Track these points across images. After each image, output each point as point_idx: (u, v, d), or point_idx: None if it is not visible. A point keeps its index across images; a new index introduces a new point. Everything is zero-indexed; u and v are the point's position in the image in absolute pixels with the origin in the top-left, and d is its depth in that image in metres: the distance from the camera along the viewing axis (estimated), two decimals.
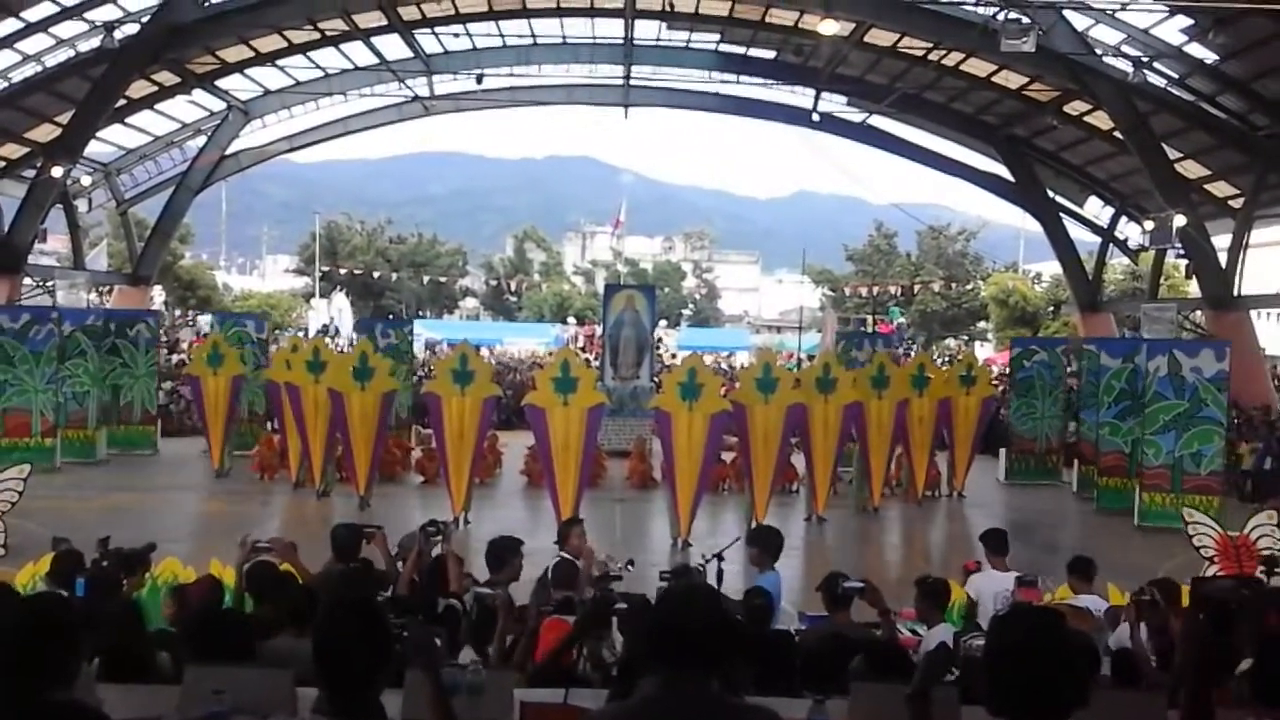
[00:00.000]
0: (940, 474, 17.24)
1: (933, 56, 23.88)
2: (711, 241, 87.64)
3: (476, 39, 26.68)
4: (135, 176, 29.74)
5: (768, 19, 24.39)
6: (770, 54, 27.45)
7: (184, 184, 29.29)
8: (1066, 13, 19.81)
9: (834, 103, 29.24)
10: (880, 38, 23.48)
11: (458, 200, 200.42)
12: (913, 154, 30.33)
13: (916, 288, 47.91)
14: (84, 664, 2.96)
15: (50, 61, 22.48)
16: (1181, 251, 23.39)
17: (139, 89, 24.18)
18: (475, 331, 45.19)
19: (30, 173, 23.92)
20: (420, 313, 51.62)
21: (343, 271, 51.90)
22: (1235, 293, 22.49)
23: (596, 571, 6.10)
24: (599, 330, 27.53)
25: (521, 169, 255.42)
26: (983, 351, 44.25)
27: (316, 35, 24.78)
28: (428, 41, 26.16)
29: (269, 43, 24.60)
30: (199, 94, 26.53)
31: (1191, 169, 24.28)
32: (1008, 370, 21.07)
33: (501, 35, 26.74)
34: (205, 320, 41.50)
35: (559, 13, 25.24)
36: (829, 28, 20.48)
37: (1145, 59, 20.50)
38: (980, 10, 19.88)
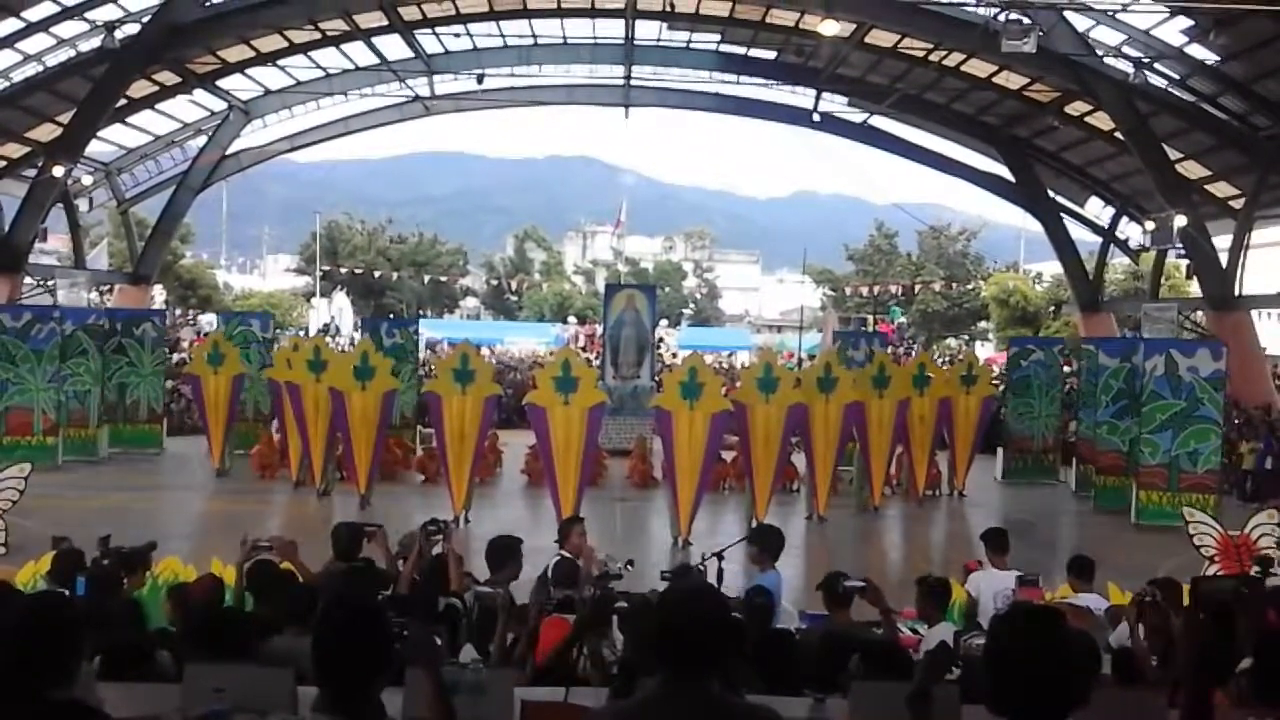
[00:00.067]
0: (941, 473, 17.25)
1: (934, 57, 23.88)
2: (712, 241, 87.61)
3: (477, 39, 26.70)
4: (136, 176, 29.79)
5: (768, 19, 24.39)
6: (771, 54, 27.46)
7: (185, 183, 29.32)
8: (1067, 14, 19.81)
9: (835, 103, 29.27)
10: (881, 38, 23.48)
11: (458, 200, 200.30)
12: (913, 154, 30.35)
13: (917, 287, 47.90)
14: (85, 663, 2.95)
15: (51, 61, 22.52)
16: (1182, 252, 23.40)
17: (140, 89, 24.20)
18: (476, 331, 45.22)
19: (31, 172, 23.94)
20: (421, 312, 51.59)
21: (343, 271, 51.91)
22: (1236, 293, 22.49)
23: (596, 570, 6.10)
24: (600, 330, 27.52)
25: (522, 169, 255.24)
26: (983, 351, 44.23)
27: (317, 35, 24.79)
28: (428, 41, 26.17)
29: (270, 42, 24.61)
30: (200, 94, 26.56)
31: (1192, 169, 24.28)
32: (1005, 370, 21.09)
33: (502, 35, 26.75)
34: (206, 320, 41.56)
35: (560, 13, 25.25)
36: (830, 28, 20.47)
37: (1146, 60, 20.52)
38: (981, 11, 19.88)
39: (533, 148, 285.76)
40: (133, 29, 21.06)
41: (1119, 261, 34.22)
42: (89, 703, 2.85)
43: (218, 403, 17.20)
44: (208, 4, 21.34)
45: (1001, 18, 17.81)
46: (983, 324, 49.79)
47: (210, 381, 17.20)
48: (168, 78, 24.61)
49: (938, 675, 3.19)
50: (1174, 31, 20.45)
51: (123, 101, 23.73)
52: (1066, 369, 24.55)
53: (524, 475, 16.81)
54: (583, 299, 57.46)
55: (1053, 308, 40.99)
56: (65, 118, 22.97)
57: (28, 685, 2.53)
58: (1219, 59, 20.70)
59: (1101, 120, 23.67)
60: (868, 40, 23.37)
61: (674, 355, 35.33)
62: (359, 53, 26.52)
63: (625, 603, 4.67)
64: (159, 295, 39.35)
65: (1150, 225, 23.70)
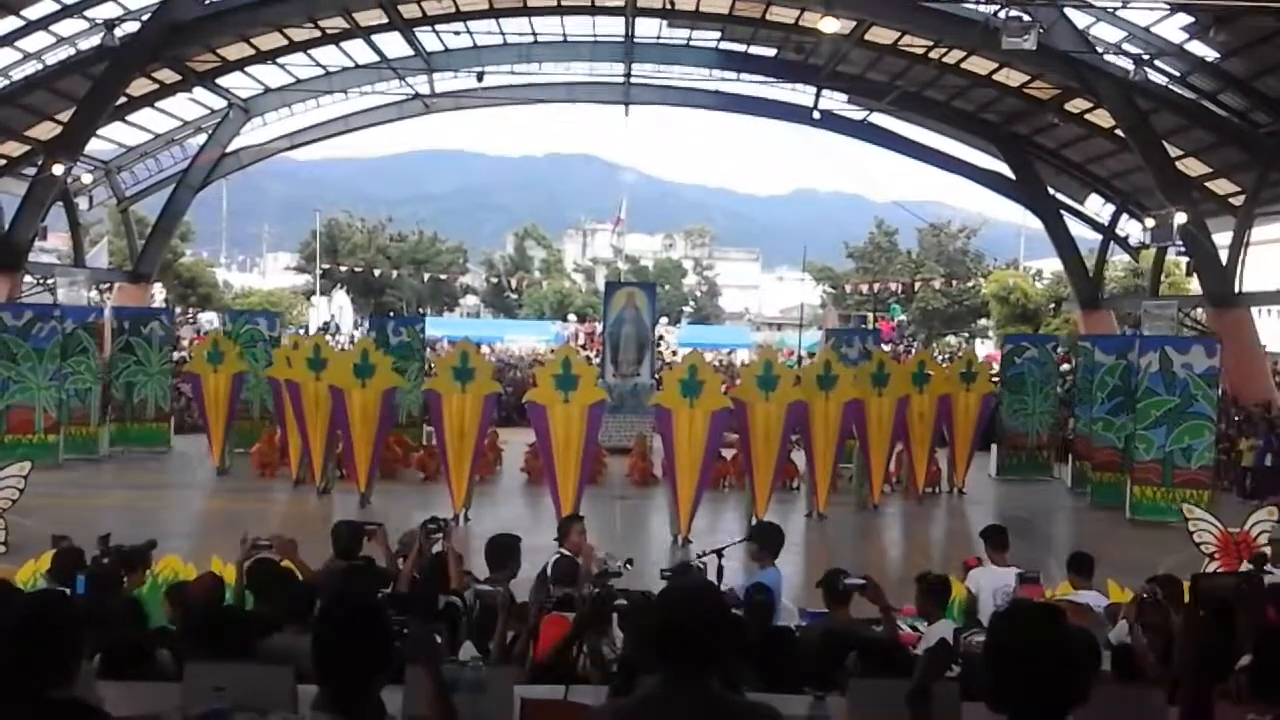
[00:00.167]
0: (940, 471, 17.27)
1: (933, 54, 23.85)
2: (712, 239, 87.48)
3: (477, 37, 26.70)
4: (136, 174, 29.80)
5: (768, 17, 24.36)
6: (771, 52, 27.43)
7: (184, 181, 29.32)
8: (1067, 10, 19.78)
9: (835, 100, 29.25)
10: (881, 35, 23.46)
11: (458, 198, 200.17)
12: (913, 151, 30.35)
13: (917, 285, 47.91)
14: (85, 661, 2.96)
15: (51, 59, 22.51)
16: (1182, 249, 23.36)
17: (139, 87, 24.18)
18: (476, 329, 45.22)
19: (31, 170, 23.94)
20: (421, 310, 51.59)
21: (343, 269, 51.89)
22: (1236, 290, 22.49)
23: (596, 569, 6.10)
24: (599, 327, 27.52)
25: (522, 167, 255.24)
26: (983, 349, 44.25)
27: (317, 33, 24.77)
28: (428, 39, 26.15)
29: (269, 40, 24.59)
30: (200, 92, 26.53)
31: (1192, 166, 24.27)
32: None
33: (502, 33, 26.74)
34: (206, 318, 41.57)
35: (560, 11, 25.23)
36: (830, 25, 20.44)
37: (1146, 57, 20.49)
38: (981, 8, 19.86)
39: (533, 145, 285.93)
40: (132, 27, 21.04)
41: (1119, 259, 34.23)
42: (89, 701, 2.85)
43: (217, 401, 17.21)
44: (207, 2, 21.31)
45: (1001, 15, 17.79)
46: (983, 321, 49.82)
47: (210, 380, 17.20)
48: (167, 76, 24.60)
49: (938, 673, 3.19)
50: (1174, 28, 20.47)
51: (122, 99, 23.71)
52: (1065, 366, 24.59)
53: (524, 473, 16.81)
54: (583, 297, 57.44)
55: (1053, 305, 41.02)
56: (65, 116, 22.95)
57: (28, 684, 2.53)
58: (1219, 55, 20.68)
59: (1101, 117, 23.66)
60: (868, 37, 23.35)
61: (674, 353, 35.34)
62: (359, 50, 26.52)
63: (625, 600, 4.67)
64: (159, 293, 39.36)
65: (1150, 222, 23.69)
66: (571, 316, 51.99)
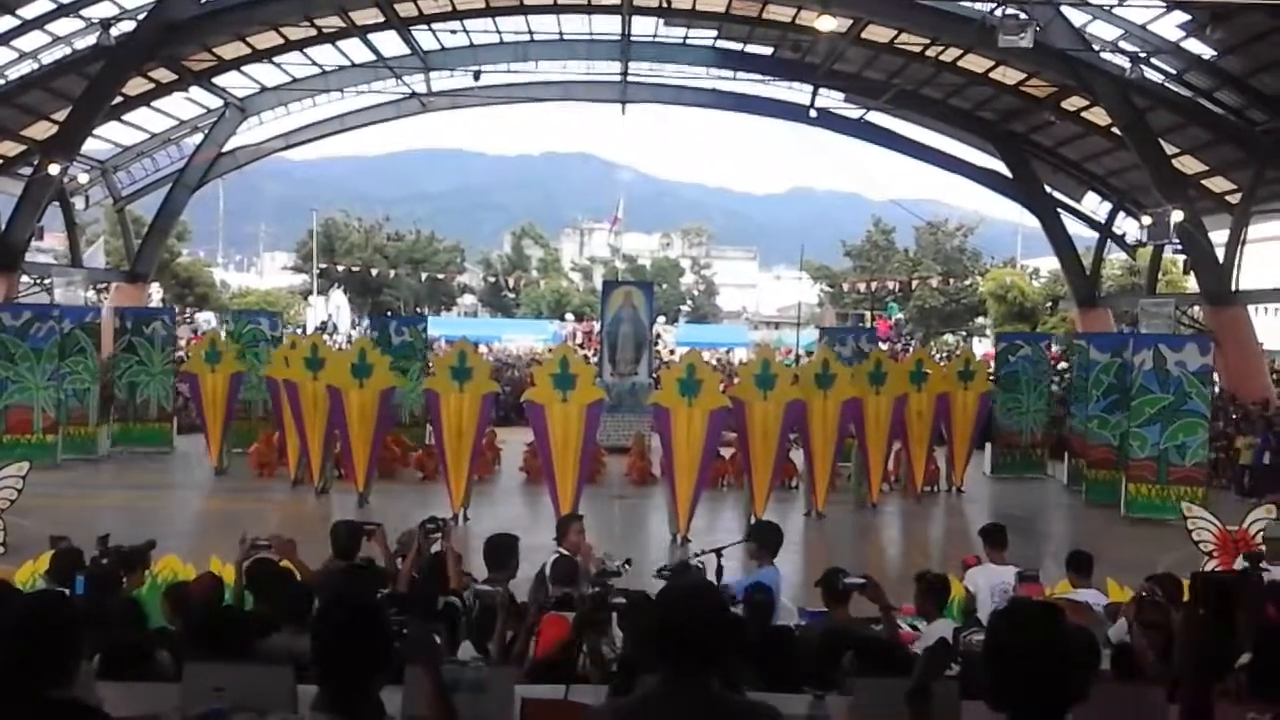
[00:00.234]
0: (939, 469, 17.28)
1: (930, 52, 23.84)
2: (709, 238, 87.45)
3: (474, 36, 26.65)
4: (132, 174, 29.73)
5: (765, 15, 24.36)
6: (767, 50, 27.42)
7: (181, 181, 29.25)
8: (1064, 8, 19.79)
9: (831, 98, 29.23)
10: (877, 33, 23.45)
11: (455, 197, 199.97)
12: (910, 150, 30.34)
13: (914, 283, 47.92)
14: (84, 662, 2.95)
15: (47, 59, 22.46)
16: (1179, 247, 23.40)
17: (136, 86, 24.13)
18: (473, 328, 45.14)
19: (27, 170, 23.88)
20: (419, 310, 51.55)
21: (340, 269, 51.81)
22: (1233, 288, 22.50)
23: (595, 568, 6.10)
24: (597, 327, 27.51)
25: (519, 166, 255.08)
26: (980, 347, 44.23)
27: (313, 32, 24.71)
28: (425, 38, 26.11)
29: (266, 40, 24.55)
30: (196, 91, 26.47)
31: (1189, 164, 24.27)
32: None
33: (499, 32, 26.70)
34: (203, 318, 41.52)
35: (556, 9, 25.20)
36: (826, 23, 20.45)
37: (1143, 54, 20.51)
38: (978, 6, 19.88)
39: (529, 144, 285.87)
40: (128, 26, 20.98)
41: (1116, 257, 34.22)
42: (88, 702, 2.85)
43: (215, 401, 17.19)
44: (203, 1, 21.27)
45: (998, 12, 17.79)
46: (980, 320, 49.81)
47: (208, 380, 17.19)
48: (164, 75, 24.54)
49: (937, 671, 3.19)
50: (1170, 26, 20.45)
51: (119, 99, 23.64)
52: (1062, 365, 24.62)
53: (522, 473, 16.81)
54: (580, 296, 57.41)
55: (1050, 303, 41.05)
56: (61, 115, 22.89)
57: (27, 684, 2.53)
58: (1215, 53, 20.70)
59: (1098, 115, 23.66)
60: (864, 35, 23.35)
61: (672, 352, 35.32)
62: (355, 50, 26.48)
63: (624, 600, 4.67)
64: (156, 293, 39.30)
65: (1147, 220, 23.68)
66: (569, 316, 51.96)
